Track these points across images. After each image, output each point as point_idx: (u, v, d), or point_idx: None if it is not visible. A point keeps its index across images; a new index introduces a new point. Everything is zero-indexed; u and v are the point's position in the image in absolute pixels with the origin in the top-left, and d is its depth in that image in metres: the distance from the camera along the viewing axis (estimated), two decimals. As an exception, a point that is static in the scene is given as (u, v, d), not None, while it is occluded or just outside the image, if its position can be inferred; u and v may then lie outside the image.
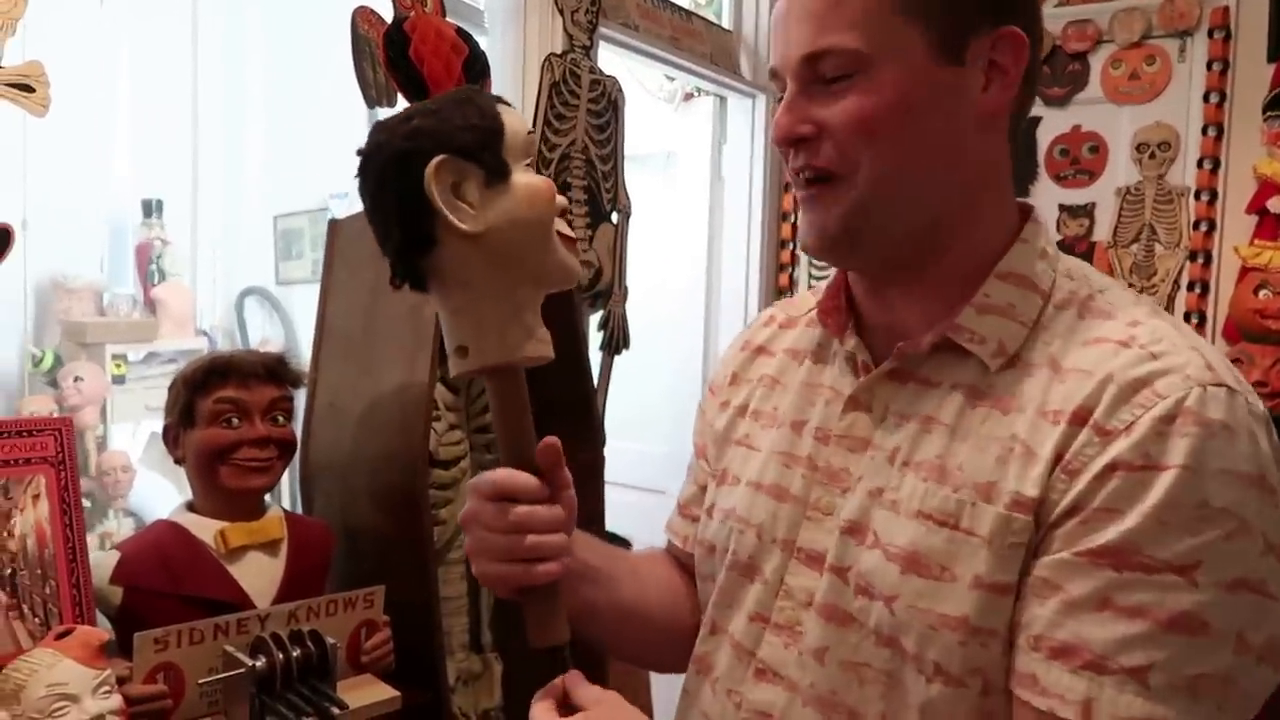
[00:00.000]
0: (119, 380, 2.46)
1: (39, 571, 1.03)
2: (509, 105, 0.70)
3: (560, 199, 0.70)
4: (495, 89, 1.75)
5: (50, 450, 1.08)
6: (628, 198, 2.11)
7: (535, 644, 0.70)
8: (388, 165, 0.66)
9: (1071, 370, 0.62)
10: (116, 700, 0.92)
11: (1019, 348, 0.66)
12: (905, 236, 0.69)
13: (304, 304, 2.96)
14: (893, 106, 0.65)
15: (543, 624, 0.70)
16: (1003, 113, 0.68)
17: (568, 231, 0.71)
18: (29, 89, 1.23)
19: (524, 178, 0.68)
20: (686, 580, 0.88)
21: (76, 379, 2.33)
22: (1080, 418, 0.60)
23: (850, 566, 0.68)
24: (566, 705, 0.67)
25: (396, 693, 1.16)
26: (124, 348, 2.53)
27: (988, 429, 0.64)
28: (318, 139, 2.82)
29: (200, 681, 1.04)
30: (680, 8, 2.34)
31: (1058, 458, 0.60)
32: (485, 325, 0.68)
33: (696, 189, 2.64)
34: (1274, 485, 0.57)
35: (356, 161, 0.69)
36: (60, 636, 0.95)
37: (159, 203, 2.70)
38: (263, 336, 2.90)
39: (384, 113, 1.83)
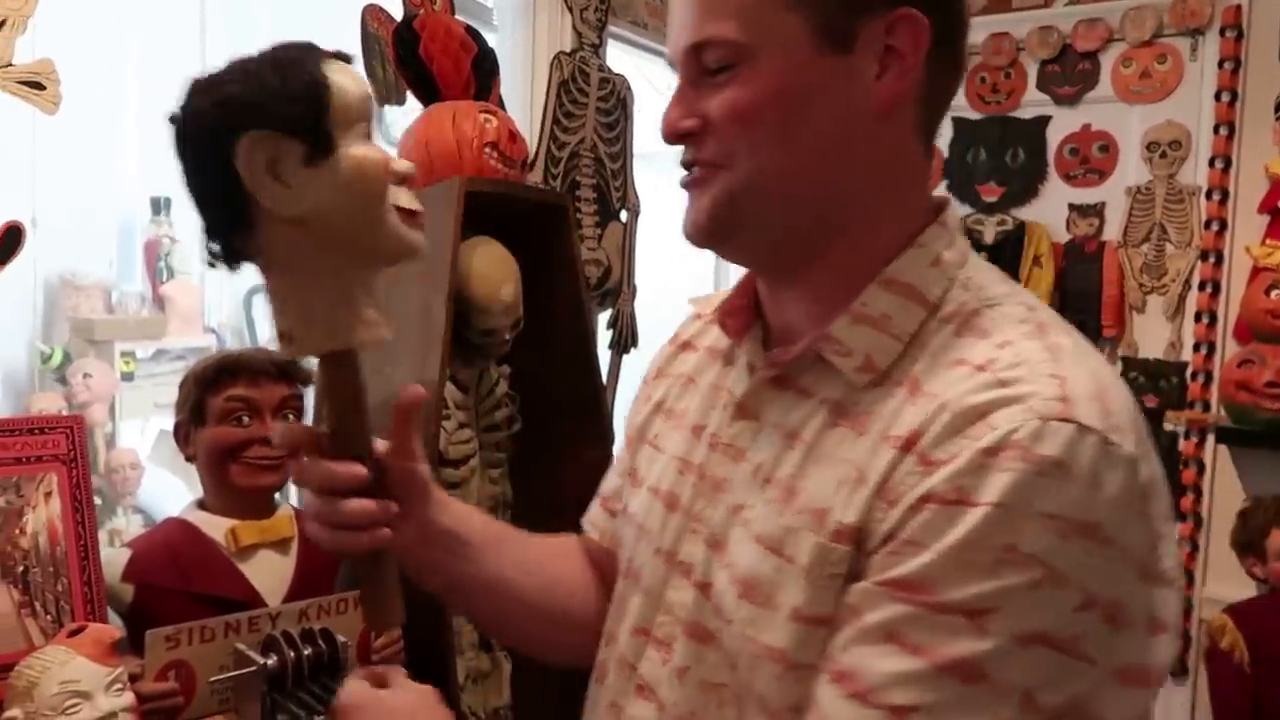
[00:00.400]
0: (128, 377, 2.46)
1: (51, 569, 1.03)
2: (346, 60, 0.64)
3: (400, 165, 0.64)
4: (504, 87, 1.75)
5: (62, 448, 1.09)
6: (637, 196, 2.11)
7: (368, 624, 0.69)
8: (199, 140, 0.60)
9: (925, 393, 0.58)
10: (129, 698, 0.93)
11: (891, 364, 0.61)
12: (788, 233, 0.65)
13: (312, 302, 2.97)
14: (773, 98, 0.61)
15: (372, 605, 0.70)
16: (903, 102, 0.62)
17: (409, 204, 0.65)
18: (39, 86, 1.23)
19: (353, 150, 0.62)
20: (596, 575, 0.85)
21: (85, 376, 2.33)
22: (909, 444, 0.56)
23: (712, 584, 0.65)
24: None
25: (406, 691, 1.16)
26: (133, 345, 2.53)
27: (840, 451, 0.60)
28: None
29: (211, 680, 1.04)
30: (689, 6, 2.34)
31: (882, 485, 0.57)
32: (309, 311, 0.63)
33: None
34: (1112, 536, 0.51)
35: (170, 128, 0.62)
36: (73, 634, 0.95)
37: (167, 200, 2.71)
38: (271, 334, 2.90)
39: (393, 111, 1.83)
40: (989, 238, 2.45)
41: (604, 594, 0.82)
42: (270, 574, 1.20)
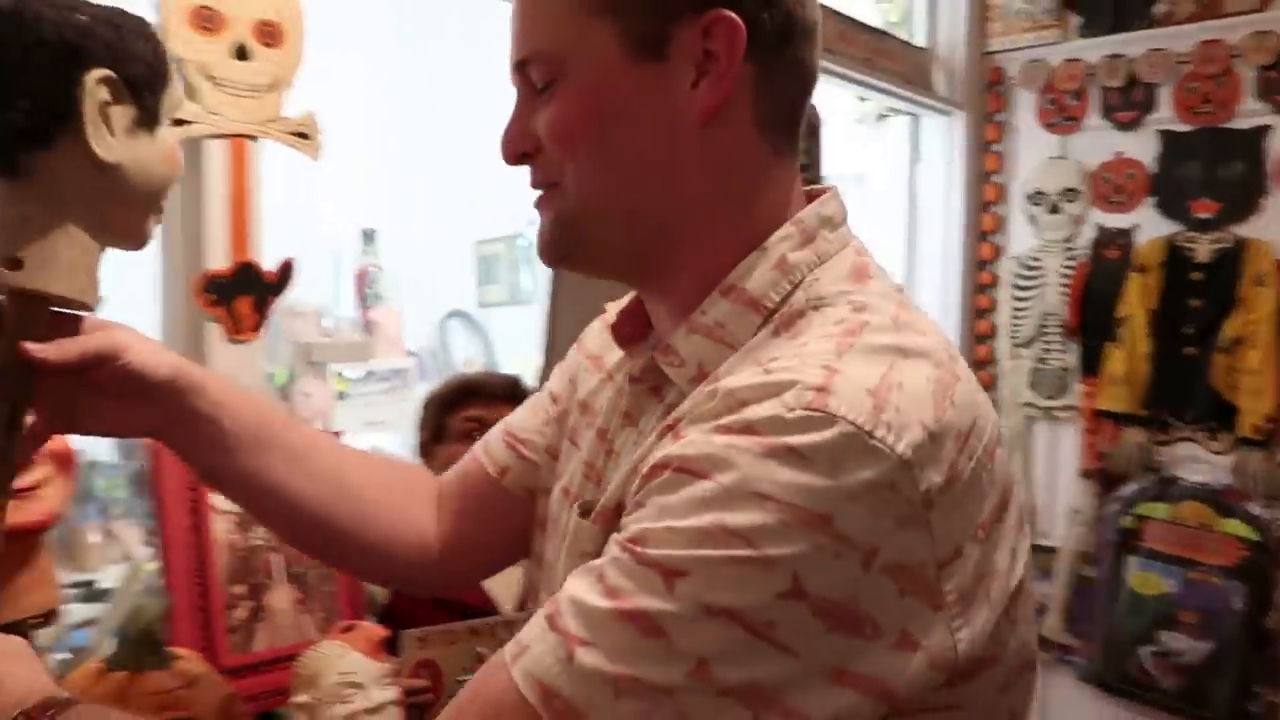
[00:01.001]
0: (342, 397, 2.67)
1: (323, 571, 1.15)
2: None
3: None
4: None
5: (327, 461, 1.20)
6: (825, 220, 2.12)
7: None
8: (42, 45, 0.62)
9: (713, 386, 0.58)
10: (395, 691, 1.01)
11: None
12: (630, 247, 0.64)
13: (502, 326, 3.13)
14: (588, 113, 0.60)
15: None
16: (729, 107, 0.60)
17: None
18: (304, 136, 1.37)
19: (169, 136, 0.69)
20: (433, 499, 0.83)
21: (305, 394, 2.55)
22: (671, 427, 0.57)
23: None
24: None
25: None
26: (343, 366, 2.75)
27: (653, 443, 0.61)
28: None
29: (458, 679, 1.12)
30: (874, 29, 2.34)
31: (639, 462, 0.58)
32: (54, 250, 0.65)
33: (890, 210, 2.61)
34: (843, 533, 0.49)
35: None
36: (345, 631, 1.05)
37: (374, 232, 2.93)
38: (466, 357, 3.07)
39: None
40: (1203, 256, 2.30)
41: (435, 522, 0.82)
42: (505, 583, 1.28)
